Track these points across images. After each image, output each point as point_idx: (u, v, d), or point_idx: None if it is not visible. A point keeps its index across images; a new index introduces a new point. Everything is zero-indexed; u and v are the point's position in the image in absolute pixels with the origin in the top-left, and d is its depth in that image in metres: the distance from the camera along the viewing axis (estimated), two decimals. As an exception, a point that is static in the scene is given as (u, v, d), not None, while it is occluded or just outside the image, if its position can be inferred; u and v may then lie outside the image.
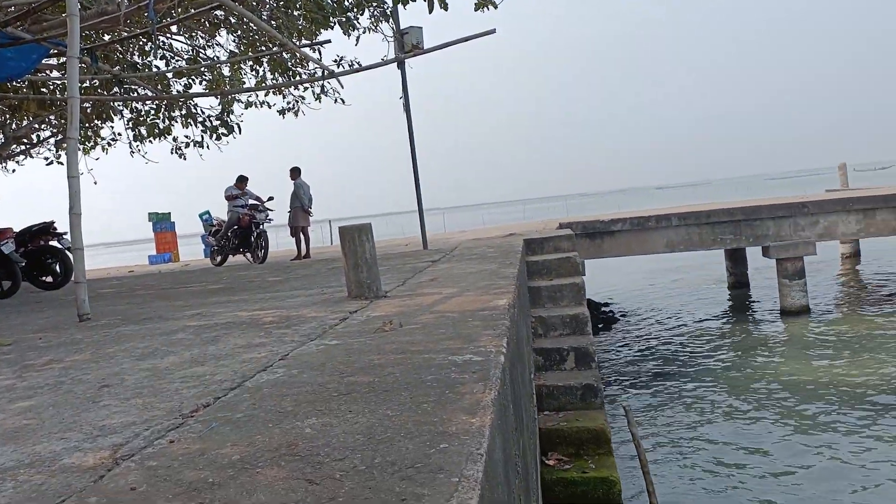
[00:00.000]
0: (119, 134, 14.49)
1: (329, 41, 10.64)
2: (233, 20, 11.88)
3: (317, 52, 11.47)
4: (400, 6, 9.56)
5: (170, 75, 12.82)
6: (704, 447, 7.39)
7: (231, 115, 13.38)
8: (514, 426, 2.75)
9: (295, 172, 13.74)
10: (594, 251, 13.60)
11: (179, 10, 9.05)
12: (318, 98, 13.04)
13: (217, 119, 13.22)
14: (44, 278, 10.08)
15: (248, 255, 13.40)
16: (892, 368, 9.28)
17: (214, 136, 13.14)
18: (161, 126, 13.21)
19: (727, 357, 10.95)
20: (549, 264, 8.94)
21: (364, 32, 11.41)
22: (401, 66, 9.94)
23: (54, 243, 9.74)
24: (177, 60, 12.95)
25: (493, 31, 9.52)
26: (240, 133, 13.38)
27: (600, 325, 14.38)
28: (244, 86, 13.03)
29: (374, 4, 11.21)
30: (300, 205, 13.53)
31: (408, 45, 9.44)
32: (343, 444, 1.88)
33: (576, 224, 13.40)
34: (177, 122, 13.44)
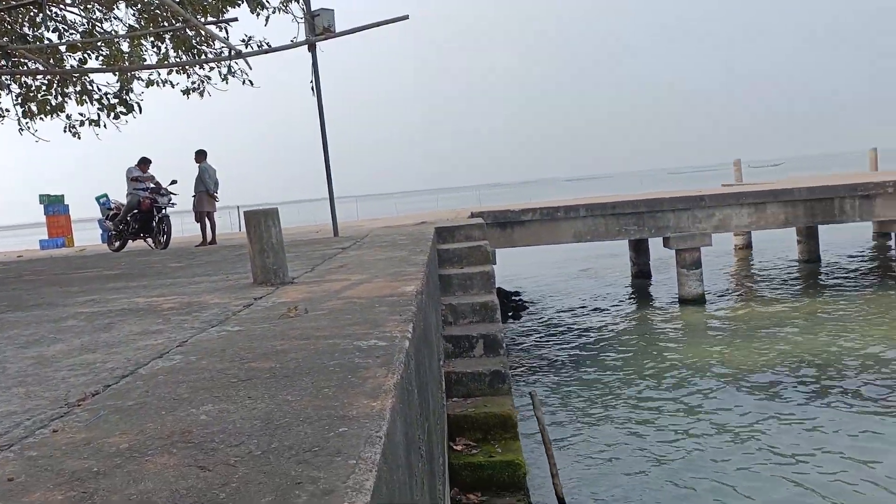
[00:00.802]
0: (6, 110, 13.54)
1: (236, 19, 10.28)
2: (133, -7, 11.31)
3: (223, 30, 11.08)
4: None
5: (63, 49, 12.07)
6: (607, 429, 7.67)
7: (131, 94, 12.73)
8: (418, 411, 2.76)
9: (200, 156, 13.25)
10: (505, 240, 13.82)
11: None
12: (224, 79, 12.58)
13: (115, 97, 12.54)
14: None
15: (150, 240, 12.85)
16: (779, 352, 9.90)
17: (112, 114, 12.46)
18: (53, 102, 12.42)
19: (629, 343, 11.38)
20: (460, 253, 9.02)
21: (274, 12, 11.10)
22: (311, 49, 9.73)
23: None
24: (70, 33, 12.19)
25: (405, 17, 9.47)
26: (140, 112, 12.75)
27: (510, 313, 14.64)
28: (145, 63, 12.42)
29: (285, -17, 10.92)
30: (205, 189, 13.08)
31: (319, 27, 9.25)
32: (239, 430, 1.82)
33: (487, 214, 13.56)
34: (70, 98, 12.66)
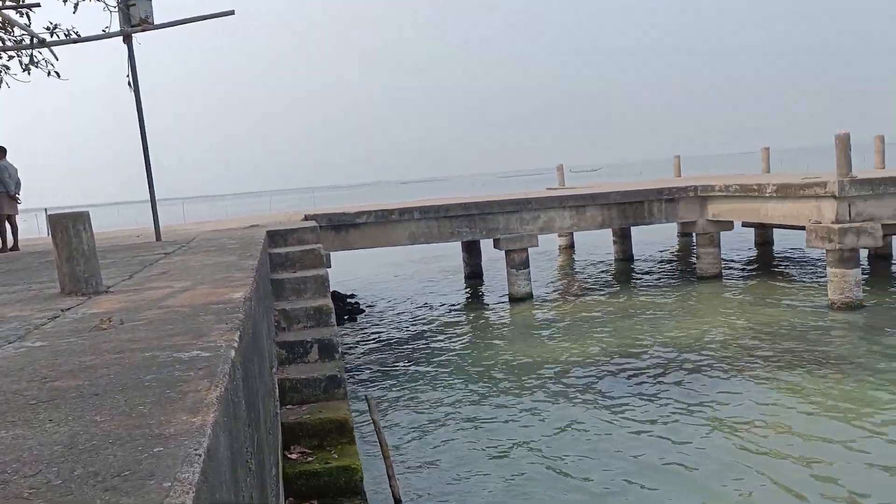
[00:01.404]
0: None
1: (38, 4, 9.35)
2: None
3: (24, 15, 10.03)
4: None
5: None
6: (444, 427, 7.82)
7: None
8: (246, 422, 2.64)
9: (-2, 153, 11.90)
10: (339, 243, 13.70)
11: None
12: (26, 69, 11.40)
13: None
14: None
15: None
16: (600, 343, 10.63)
17: None
18: None
19: (463, 342, 11.71)
20: (293, 256, 8.81)
21: (84, -1, 10.23)
22: (127, 41, 9.06)
23: None
24: None
25: (231, 13, 9.09)
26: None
27: (346, 317, 14.53)
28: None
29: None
30: (5, 190, 11.76)
31: (135, 18, 8.63)
32: (37, 458, 1.64)
33: (321, 216, 13.37)
34: None
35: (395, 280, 19.52)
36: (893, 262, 15.42)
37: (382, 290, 17.88)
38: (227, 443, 1.96)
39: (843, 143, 11.19)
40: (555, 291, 15.66)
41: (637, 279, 16.31)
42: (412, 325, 13.40)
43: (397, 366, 10.53)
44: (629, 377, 9.00)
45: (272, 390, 5.40)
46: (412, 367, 10.35)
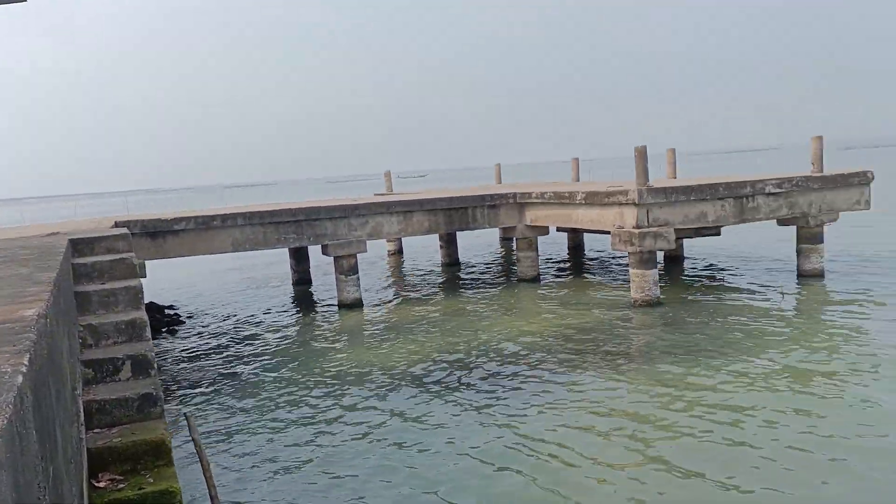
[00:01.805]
0: None
1: None
2: None
3: None
4: None
5: None
6: (271, 440, 7.58)
7: None
8: (38, 455, 2.40)
9: None
10: (155, 251, 12.86)
11: None
12: None
13: None
14: None
15: None
16: (427, 347, 10.84)
17: None
18: None
19: (291, 351, 11.44)
20: (101, 266, 8.13)
21: None
22: None
23: None
24: None
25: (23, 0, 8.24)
26: None
27: (164, 329, 13.67)
28: None
29: None
30: None
31: None
32: None
33: (134, 222, 12.48)
34: None
35: (220, 289, 18.67)
36: (686, 261, 17.18)
37: (205, 300, 17.02)
38: (10, 483, 1.77)
39: (641, 155, 12.31)
40: (384, 297, 15.77)
41: (462, 283, 16.86)
42: (237, 335, 12.88)
43: (221, 379, 10.07)
44: (455, 377, 9.27)
45: (75, 415, 4.94)
46: (237, 380, 9.95)
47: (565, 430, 7.26)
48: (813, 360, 8.90)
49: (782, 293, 12.86)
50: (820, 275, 13.87)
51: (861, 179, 13.97)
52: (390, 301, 15.19)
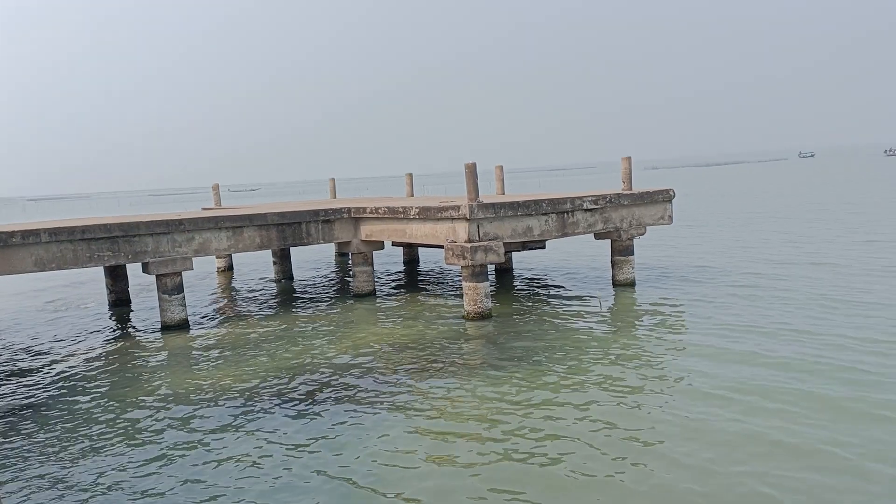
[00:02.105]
0: None
1: None
2: None
3: None
4: None
5: None
6: (73, 487, 6.91)
7: None
8: None
9: None
10: (-59, 273, 11.35)
11: None
12: None
13: None
14: None
15: None
16: (262, 367, 10.43)
17: None
18: None
19: (107, 378, 10.54)
20: None
21: None
22: None
23: None
24: None
25: None
26: None
27: (-48, 361, 12.07)
28: None
29: None
30: None
31: None
32: None
33: (-87, 240, 10.94)
34: None
35: (21, 313, 16.84)
36: (515, 274, 17.98)
37: (4, 327, 15.27)
38: None
39: (472, 172, 12.74)
40: (212, 316, 15.02)
41: (297, 300, 16.47)
42: (44, 363, 11.66)
43: (24, 415, 9.05)
44: (285, 398, 9.00)
45: None
46: (43, 414, 8.98)
47: (395, 443, 7.28)
48: (624, 363, 9.63)
49: (600, 302, 13.82)
50: (632, 284, 15.08)
51: (665, 196, 15.38)
52: (220, 321, 14.49)
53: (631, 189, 15.42)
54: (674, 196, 15.59)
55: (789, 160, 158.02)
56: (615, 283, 15.19)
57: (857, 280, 14.22)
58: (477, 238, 12.69)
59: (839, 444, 6.64)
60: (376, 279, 17.57)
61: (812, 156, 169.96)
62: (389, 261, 21.76)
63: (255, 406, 8.79)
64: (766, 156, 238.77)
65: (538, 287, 16.07)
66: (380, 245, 15.89)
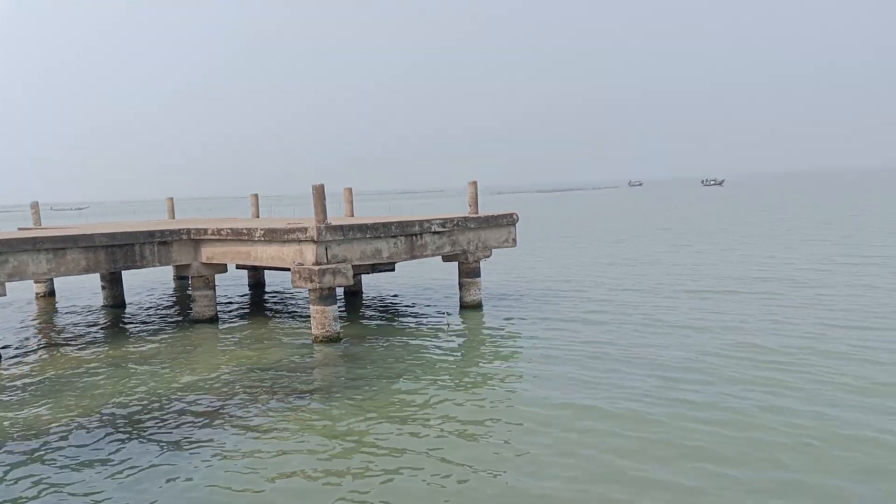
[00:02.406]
0: None
1: None
2: None
3: None
4: None
5: None
6: None
7: None
8: None
9: None
10: None
11: None
12: None
13: None
14: None
15: None
16: (85, 401, 9.53)
17: None
18: None
19: None
20: None
21: None
22: None
23: None
24: None
25: None
26: None
27: None
28: None
29: None
30: None
31: None
32: None
33: None
34: None
35: None
36: (364, 297, 17.85)
37: None
38: None
39: (319, 193, 12.54)
40: (30, 347, 13.59)
41: (130, 327, 15.32)
42: None
43: None
44: (113, 428, 8.29)
45: None
46: None
47: (237, 467, 6.91)
48: (469, 383, 9.81)
49: (447, 321, 14.03)
50: (479, 305, 15.46)
51: (509, 220, 15.97)
52: (38, 351, 13.13)
53: (477, 213, 15.87)
54: (517, 220, 16.22)
55: (619, 188, 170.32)
56: (463, 305, 15.51)
57: (679, 302, 15.50)
58: (325, 261, 12.47)
59: (654, 461, 7.13)
60: (219, 304, 16.74)
61: (640, 185, 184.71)
62: (233, 284, 20.87)
63: (79, 440, 8.00)
64: (600, 184, 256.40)
65: (387, 309, 16.06)
66: (222, 268, 15.18)
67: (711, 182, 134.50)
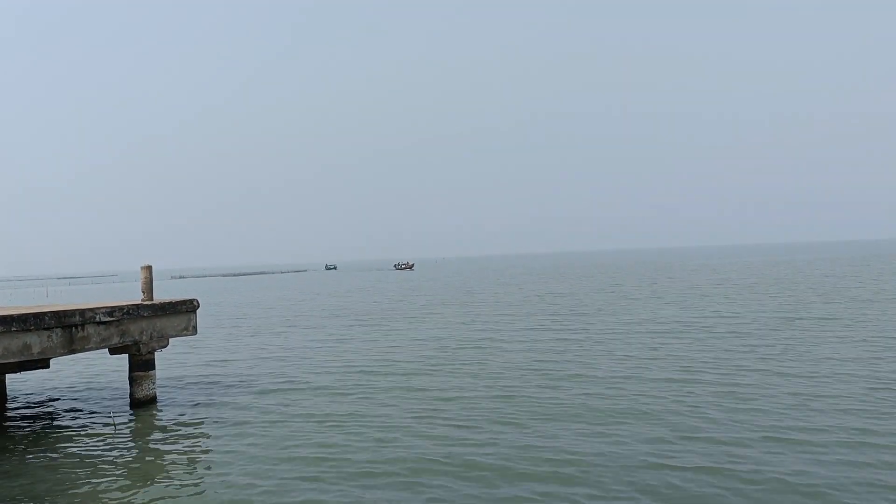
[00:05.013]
0: None
1: None
2: None
3: None
4: None
5: None
6: None
7: None
8: None
9: None
10: None
11: None
12: None
13: None
14: None
15: None
16: None
17: None
18: None
19: None
20: None
21: None
22: None
23: None
24: None
25: None
26: None
27: None
28: None
29: None
30: None
31: None
32: None
33: None
34: None
35: None
36: (10, 401, 15.21)
37: None
38: None
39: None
40: None
41: None
42: None
43: None
44: None
45: None
46: None
47: None
48: (136, 493, 8.84)
49: (114, 425, 12.55)
50: (153, 401, 14.14)
51: (189, 307, 15.08)
52: None
53: (152, 299, 14.72)
54: (198, 306, 15.40)
55: (309, 272, 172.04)
56: (134, 402, 14.02)
57: (365, 395, 15.95)
58: (-47, 361, 10.41)
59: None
60: None
61: (335, 268, 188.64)
62: None
63: None
64: (289, 267, 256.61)
65: (40, 414, 13.85)
66: None
67: (403, 266, 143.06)
